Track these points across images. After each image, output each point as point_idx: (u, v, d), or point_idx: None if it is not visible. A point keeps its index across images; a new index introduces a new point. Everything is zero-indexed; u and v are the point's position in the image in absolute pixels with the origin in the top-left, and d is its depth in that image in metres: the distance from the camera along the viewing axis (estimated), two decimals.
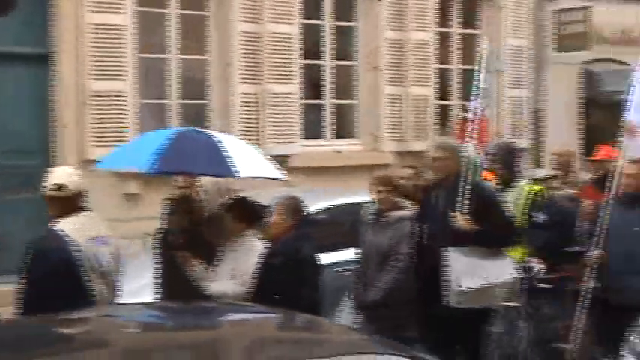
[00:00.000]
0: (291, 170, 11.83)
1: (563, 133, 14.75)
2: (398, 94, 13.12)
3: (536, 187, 8.36)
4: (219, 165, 6.46)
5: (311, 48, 12.72)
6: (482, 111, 7.43)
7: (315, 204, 8.16)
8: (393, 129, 13.05)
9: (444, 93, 13.92)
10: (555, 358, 7.75)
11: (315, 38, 12.80)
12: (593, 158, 10.00)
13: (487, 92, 8.28)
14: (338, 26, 12.94)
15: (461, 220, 6.59)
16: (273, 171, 7.02)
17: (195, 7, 11.83)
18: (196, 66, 11.91)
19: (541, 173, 9.13)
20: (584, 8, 14.58)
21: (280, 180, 7.19)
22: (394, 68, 13.13)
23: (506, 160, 8.44)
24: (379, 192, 7.27)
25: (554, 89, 14.91)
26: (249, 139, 11.80)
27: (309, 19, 12.60)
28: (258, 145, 11.84)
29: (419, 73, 13.28)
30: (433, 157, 6.99)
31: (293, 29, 12.16)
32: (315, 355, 4.05)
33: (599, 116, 15.14)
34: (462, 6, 14.20)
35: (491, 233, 6.64)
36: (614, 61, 15.58)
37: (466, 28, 14.27)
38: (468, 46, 14.18)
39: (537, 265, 7.93)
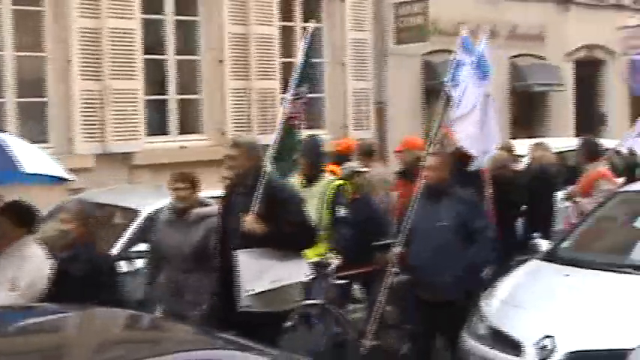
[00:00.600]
0: (136, 167, 11.71)
1: (405, 124, 15.08)
2: (242, 88, 13.08)
3: (339, 182, 8.24)
4: (4, 161, 6.00)
5: (153, 43, 12.52)
6: (305, 96, 7.16)
7: (160, 201, 7.96)
8: (238, 123, 12.99)
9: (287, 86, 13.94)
10: (354, 354, 7.72)
11: (157, 33, 12.61)
12: (397, 149, 10.01)
13: (310, 77, 8.09)
14: (180, 21, 12.79)
15: (250, 221, 6.23)
16: (59, 171, 6.57)
17: (30, 3, 11.44)
18: (34, 63, 11.52)
19: (353, 166, 8.95)
20: (422, 1, 14.94)
21: (67, 181, 6.72)
22: (238, 62, 13.09)
23: (310, 155, 8.11)
24: (177, 189, 6.87)
25: (396, 81, 15.23)
26: (92, 137, 11.59)
27: (150, 13, 12.39)
28: (102, 142, 11.62)
29: (263, 67, 13.29)
30: (227, 155, 6.62)
31: (134, 24, 11.93)
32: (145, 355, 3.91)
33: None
34: (304, 0, 14.29)
35: (283, 235, 6.26)
36: (452, 52, 16.01)
37: (309, 22, 14.34)
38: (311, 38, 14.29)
39: (334, 261, 7.72)
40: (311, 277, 6.65)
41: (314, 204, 7.80)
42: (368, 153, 10.17)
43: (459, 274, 7.01)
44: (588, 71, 19.25)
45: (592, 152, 9.17)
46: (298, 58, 6.96)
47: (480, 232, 7.17)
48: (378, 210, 8.95)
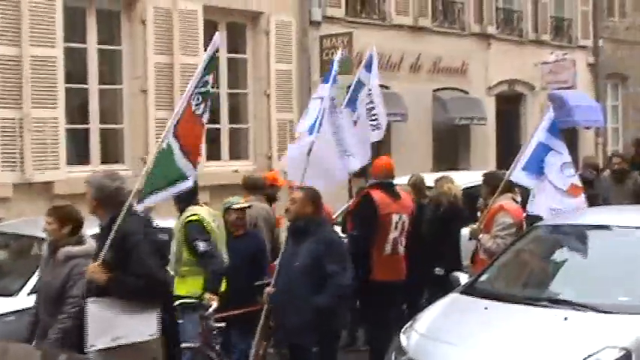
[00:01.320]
0: (56, 197, 11.49)
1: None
2: (166, 118, 12.97)
3: (192, 216, 7.69)
4: None
5: (75, 72, 12.38)
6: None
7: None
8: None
9: (214, 116, 13.92)
10: None
11: (80, 62, 12.47)
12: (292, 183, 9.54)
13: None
14: (103, 50, 12.68)
15: (92, 269, 5.79)
16: None
17: None
18: None
19: (232, 201, 8.53)
20: (346, 34, 15.08)
21: None
22: (162, 91, 13.01)
23: None
24: (48, 223, 6.45)
25: None
26: (12, 166, 11.36)
27: (72, 42, 12.26)
28: (22, 172, 11.40)
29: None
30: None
31: (56, 52, 11.78)
32: None
33: None
34: (229, 31, 14.31)
35: (124, 286, 5.75)
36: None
37: (233, 53, 14.40)
38: (234, 70, 14.37)
39: (214, 303, 7.38)
40: (156, 336, 5.91)
41: (177, 239, 7.71)
42: (253, 187, 9.90)
43: (307, 318, 6.92)
44: (509, 105, 19.62)
45: (495, 186, 8.67)
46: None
47: (330, 276, 7.01)
48: (263, 247, 8.66)
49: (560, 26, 21.13)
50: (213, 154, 13.88)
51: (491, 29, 18.87)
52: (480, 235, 8.53)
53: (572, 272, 7.27)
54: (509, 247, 7.84)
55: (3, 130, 11.35)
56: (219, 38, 6.86)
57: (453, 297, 7.30)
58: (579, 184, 8.48)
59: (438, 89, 17.74)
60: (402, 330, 6.88)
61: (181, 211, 7.80)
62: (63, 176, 11.76)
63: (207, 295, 7.42)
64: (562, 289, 6.95)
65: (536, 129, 8.63)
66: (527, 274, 7.67)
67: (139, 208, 6.03)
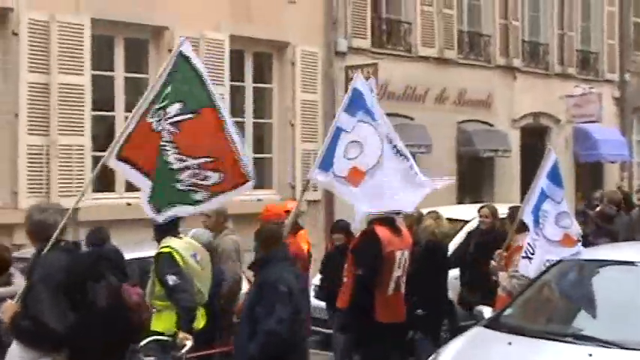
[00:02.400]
0: (81, 224, 11.54)
1: None
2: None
3: (165, 249, 7.29)
4: None
5: (103, 99, 12.49)
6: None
7: None
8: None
9: None
10: None
11: (107, 90, 12.58)
12: (262, 217, 9.06)
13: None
14: (130, 78, 12.78)
15: (4, 308, 5.48)
16: None
17: None
18: None
19: (197, 233, 8.24)
20: (372, 65, 15.12)
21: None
22: None
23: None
24: None
25: None
26: (39, 192, 11.44)
27: (100, 70, 12.38)
28: (48, 198, 11.47)
29: None
30: None
31: (83, 80, 11.90)
32: None
33: None
34: (255, 61, 14.40)
35: (18, 327, 5.34)
36: (400, 115, 16.23)
37: (259, 83, 14.48)
38: (260, 99, 14.46)
39: (188, 343, 6.86)
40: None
41: (152, 272, 7.33)
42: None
43: None
44: (534, 138, 19.57)
45: (521, 222, 8.13)
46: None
47: (258, 321, 6.61)
48: (220, 283, 8.28)
49: (586, 59, 21.11)
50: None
51: (517, 62, 18.88)
52: (500, 274, 8.29)
53: (596, 308, 7.21)
54: (534, 281, 7.78)
55: (31, 157, 11.45)
56: (187, 45, 6.61)
57: (476, 331, 7.25)
58: (575, 236, 8.02)
59: (462, 121, 17.74)
60: None
61: (158, 241, 7.44)
62: (88, 203, 11.82)
63: (180, 335, 6.93)
64: (586, 325, 6.90)
65: (539, 173, 8.05)
66: (552, 310, 7.61)
67: (158, 218, 6.11)
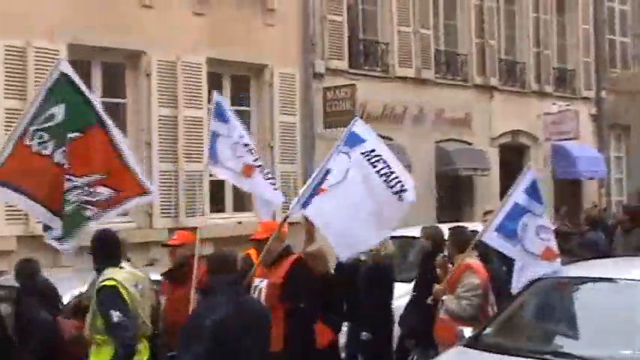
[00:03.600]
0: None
1: None
2: (170, 170, 13.05)
3: (109, 282, 6.56)
4: None
5: None
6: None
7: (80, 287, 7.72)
8: (165, 206, 12.92)
9: None
10: None
11: None
12: (172, 242, 8.49)
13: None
14: (107, 102, 12.75)
15: None
16: None
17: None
18: None
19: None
20: (350, 86, 15.18)
21: None
22: (167, 145, 13.07)
23: (95, 246, 6.73)
24: None
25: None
26: (16, 218, 11.35)
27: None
28: (26, 224, 11.40)
29: (193, 150, 13.28)
30: None
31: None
32: None
33: None
34: (233, 84, 14.41)
35: None
36: (379, 136, 16.23)
37: (237, 105, 14.47)
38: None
39: None
40: None
41: (92, 303, 6.66)
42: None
43: None
44: (513, 156, 19.66)
45: (461, 242, 8.24)
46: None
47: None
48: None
49: (562, 77, 21.25)
50: (217, 206, 13.90)
51: (494, 81, 18.99)
52: (444, 297, 8.13)
53: (576, 325, 7.23)
54: (515, 299, 7.79)
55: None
56: (65, 65, 6.60)
57: (457, 350, 7.24)
58: (555, 249, 8.00)
59: (441, 140, 17.79)
60: None
61: (98, 271, 6.75)
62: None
63: None
64: (566, 343, 6.92)
65: (514, 189, 8.07)
66: (532, 327, 7.61)
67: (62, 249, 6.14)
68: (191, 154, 13.22)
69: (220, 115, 8.57)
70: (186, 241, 8.30)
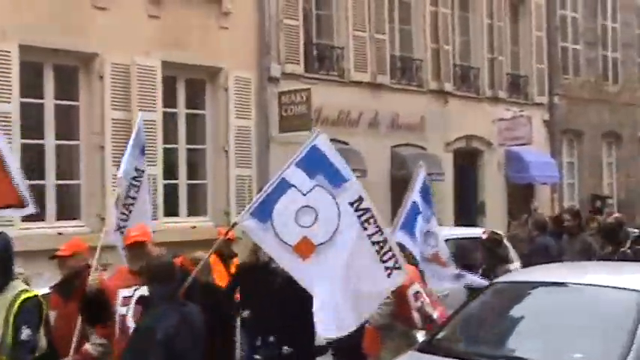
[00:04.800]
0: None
1: None
2: None
3: (32, 293, 5.96)
4: None
5: (31, 127, 12.31)
6: None
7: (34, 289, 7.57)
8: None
9: (171, 172, 13.91)
10: None
11: (37, 117, 12.40)
12: (59, 254, 7.73)
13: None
14: (60, 105, 12.62)
15: None
16: None
17: None
18: None
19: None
20: (305, 90, 15.16)
21: None
22: (120, 148, 12.94)
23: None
24: None
25: (279, 168, 15.17)
26: None
27: (28, 97, 12.20)
28: None
29: (146, 153, 13.13)
30: None
31: (11, 107, 11.72)
32: None
33: None
34: (188, 87, 14.34)
35: None
36: (334, 140, 16.25)
37: (192, 109, 14.41)
38: (193, 126, 14.39)
39: None
40: None
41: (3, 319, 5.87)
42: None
43: None
44: (467, 161, 19.78)
45: None
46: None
47: None
48: None
49: (516, 83, 21.44)
50: (171, 210, 13.80)
51: (449, 86, 19.10)
52: None
53: (529, 329, 7.26)
54: (468, 303, 7.82)
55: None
56: None
57: (410, 354, 7.25)
58: (443, 256, 8.18)
59: (396, 145, 17.84)
60: None
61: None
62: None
63: None
64: (519, 347, 6.94)
65: (411, 189, 8.24)
66: (485, 331, 7.63)
67: None
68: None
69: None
70: (77, 251, 7.65)
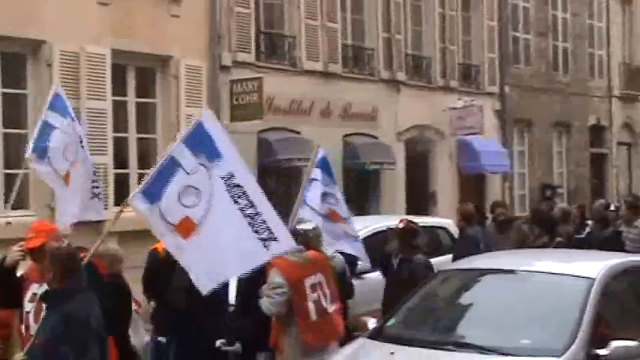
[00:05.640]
0: None
1: None
2: None
3: None
4: None
5: None
6: None
7: None
8: None
9: (121, 162, 13.80)
10: None
11: None
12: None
13: None
14: (7, 94, 12.45)
15: None
16: None
17: None
18: None
19: None
20: (256, 79, 15.12)
21: None
22: None
23: None
24: None
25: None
26: None
27: None
28: None
29: (96, 142, 13.03)
30: None
31: None
32: None
33: (274, 184, 15.68)
34: (138, 75, 14.21)
35: None
36: (286, 129, 16.26)
37: (143, 97, 14.29)
38: (144, 114, 14.28)
39: None
40: None
41: None
42: None
43: None
44: (418, 151, 19.87)
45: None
46: None
47: None
48: None
49: (467, 73, 21.56)
50: (122, 200, 13.62)
51: (401, 75, 19.14)
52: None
53: (477, 316, 7.34)
54: (417, 290, 7.86)
55: None
56: None
57: (360, 342, 7.29)
58: (341, 213, 8.92)
59: (348, 134, 17.86)
60: None
61: None
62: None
63: None
64: (468, 333, 7.01)
65: (310, 167, 9.04)
66: (434, 318, 7.70)
67: None
68: (94, 146, 12.96)
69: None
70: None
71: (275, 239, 6.48)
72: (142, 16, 13.77)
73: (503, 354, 6.44)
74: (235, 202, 6.43)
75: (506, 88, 22.32)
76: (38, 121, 8.26)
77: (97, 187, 8.25)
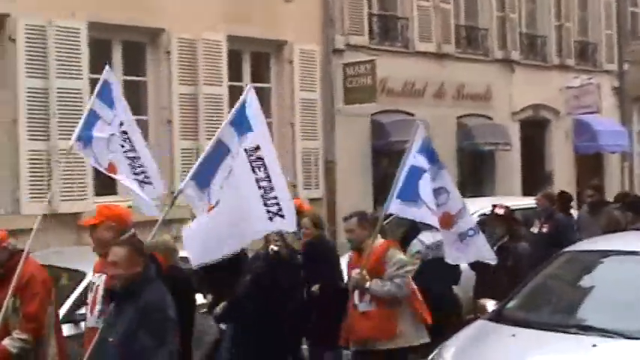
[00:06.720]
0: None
1: (354, 183, 15.17)
2: (191, 148, 13.05)
3: None
4: None
5: None
6: None
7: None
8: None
9: None
10: None
11: None
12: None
13: None
14: (128, 81, 12.78)
15: None
16: None
17: None
18: None
19: None
20: (369, 62, 15.13)
21: None
22: (187, 122, 13.10)
23: None
24: None
25: (345, 140, 15.33)
26: (39, 197, 11.43)
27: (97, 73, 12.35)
28: (49, 202, 11.46)
29: (213, 127, 13.28)
30: None
31: (82, 84, 11.90)
32: None
33: (388, 166, 15.68)
34: (253, 61, 14.41)
35: None
36: (400, 111, 16.23)
37: (258, 82, 14.47)
38: (260, 99, 14.40)
39: None
40: None
41: None
42: None
43: None
44: (534, 131, 19.57)
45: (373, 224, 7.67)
46: None
47: (144, 355, 5.45)
48: None
49: (584, 50, 21.10)
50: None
51: (515, 55, 18.87)
52: (368, 284, 7.41)
53: (600, 298, 7.20)
54: (538, 272, 7.77)
55: (32, 162, 11.46)
56: None
57: (480, 324, 7.26)
58: (452, 212, 7.45)
59: (462, 116, 17.73)
60: (430, 358, 6.85)
61: None
62: (90, 207, 11.79)
63: None
64: (590, 316, 6.89)
65: (407, 152, 7.60)
66: (555, 301, 7.60)
67: None
68: (210, 131, 13.22)
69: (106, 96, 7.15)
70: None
71: (282, 216, 6.42)
72: (256, 2, 13.94)
73: (628, 337, 6.32)
74: (253, 171, 6.41)
75: (625, 65, 21.73)
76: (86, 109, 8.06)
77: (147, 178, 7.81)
